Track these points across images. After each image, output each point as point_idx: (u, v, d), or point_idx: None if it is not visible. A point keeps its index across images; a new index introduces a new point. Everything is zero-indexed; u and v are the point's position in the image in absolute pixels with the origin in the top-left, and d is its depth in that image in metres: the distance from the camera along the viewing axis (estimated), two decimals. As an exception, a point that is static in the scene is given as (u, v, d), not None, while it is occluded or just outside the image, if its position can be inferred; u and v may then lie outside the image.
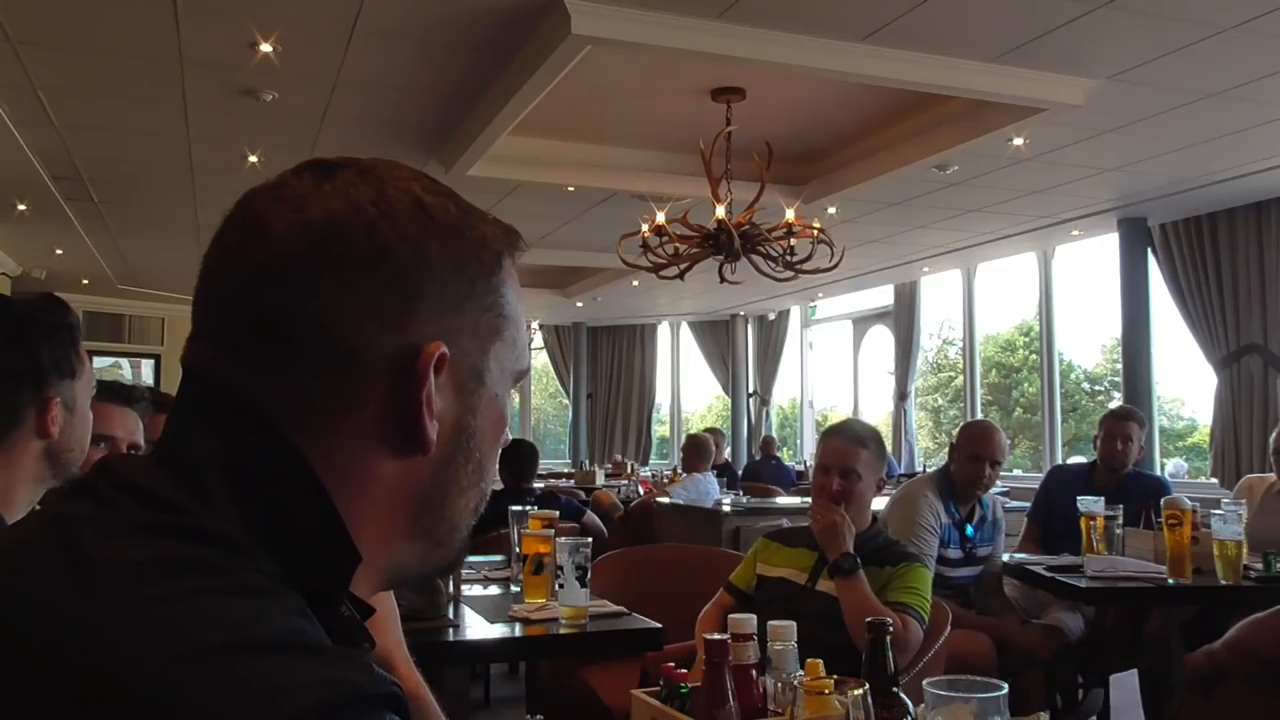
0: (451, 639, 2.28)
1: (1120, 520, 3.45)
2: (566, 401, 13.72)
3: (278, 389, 0.60)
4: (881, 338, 10.68)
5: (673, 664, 1.63)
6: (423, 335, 0.62)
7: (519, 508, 3.13)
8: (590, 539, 2.50)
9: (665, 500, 6.23)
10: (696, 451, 6.45)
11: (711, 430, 8.26)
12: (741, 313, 12.29)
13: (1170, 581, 3.12)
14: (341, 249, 0.61)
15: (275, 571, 0.55)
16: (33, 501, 1.30)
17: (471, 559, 3.21)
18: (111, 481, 0.57)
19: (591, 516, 5.05)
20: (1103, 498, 3.53)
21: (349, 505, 0.61)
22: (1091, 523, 3.43)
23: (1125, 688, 3.82)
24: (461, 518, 0.68)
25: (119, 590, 0.50)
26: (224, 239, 0.64)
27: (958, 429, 3.67)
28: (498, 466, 0.73)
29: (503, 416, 0.69)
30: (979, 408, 9.35)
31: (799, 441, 11.96)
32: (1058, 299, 8.60)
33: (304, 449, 0.60)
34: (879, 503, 3.94)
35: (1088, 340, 11.16)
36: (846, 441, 2.54)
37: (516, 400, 14.21)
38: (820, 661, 1.32)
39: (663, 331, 13.45)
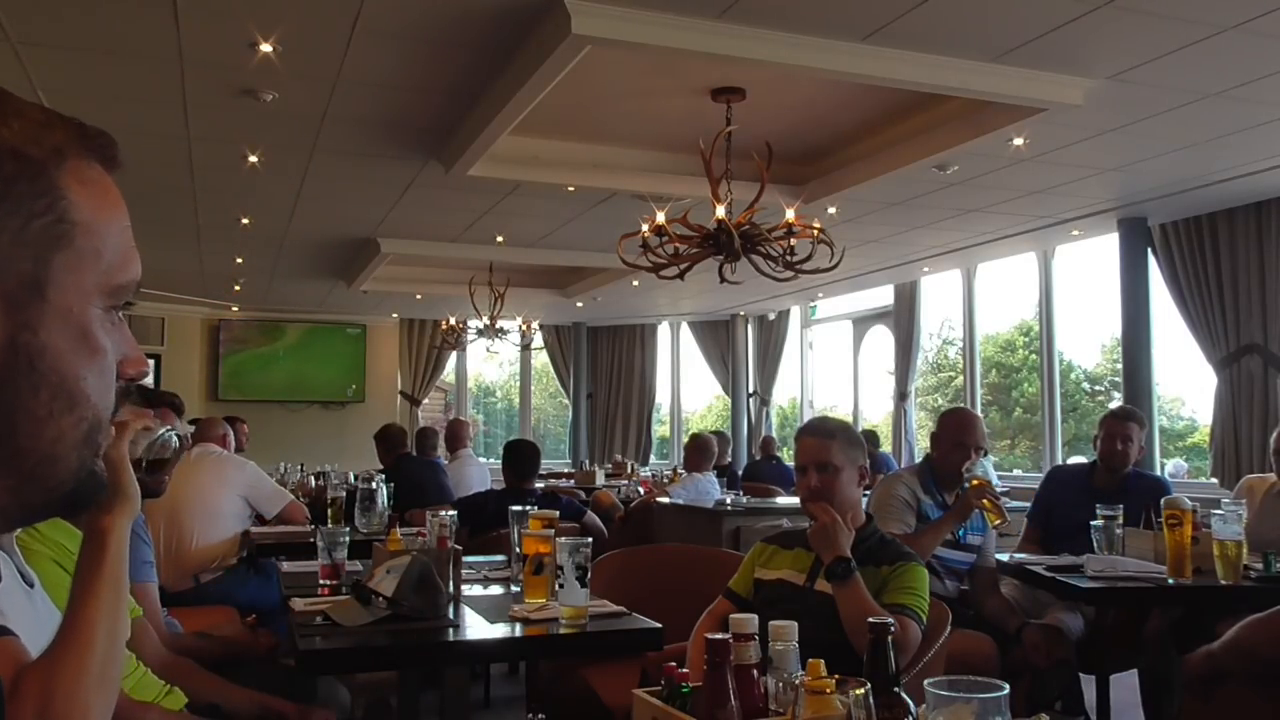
0: (451, 639, 2.28)
1: (1120, 520, 3.45)
2: (566, 401, 13.72)
3: None
4: (881, 338, 10.68)
5: (674, 664, 1.63)
6: None
7: (519, 508, 3.13)
8: (590, 539, 2.50)
9: (665, 500, 6.24)
10: (698, 451, 6.45)
11: (717, 433, 8.23)
12: (741, 313, 12.28)
13: (1170, 581, 3.12)
14: None
15: None
16: None
17: (471, 559, 3.21)
18: None
19: (592, 516, 5.05)
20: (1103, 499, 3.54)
21: None
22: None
23: (1125, 688, 3.82)
24: (55, 448, 0.61)
25: None
26: None
27: (937, 418, 3.71)
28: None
29: (87, 334, 0.61)
30: (979, 408, 9.34)
31: (799, 441, 11.94)
32: (1058, 299, 8.60)
33: None
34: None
35: (1088, 340, 11.17)
36: (815, 437, 2.59)
37: (516, 400, 14.21)
38: (821, 661, 1.32)
39: (663, 331, 13.44)
